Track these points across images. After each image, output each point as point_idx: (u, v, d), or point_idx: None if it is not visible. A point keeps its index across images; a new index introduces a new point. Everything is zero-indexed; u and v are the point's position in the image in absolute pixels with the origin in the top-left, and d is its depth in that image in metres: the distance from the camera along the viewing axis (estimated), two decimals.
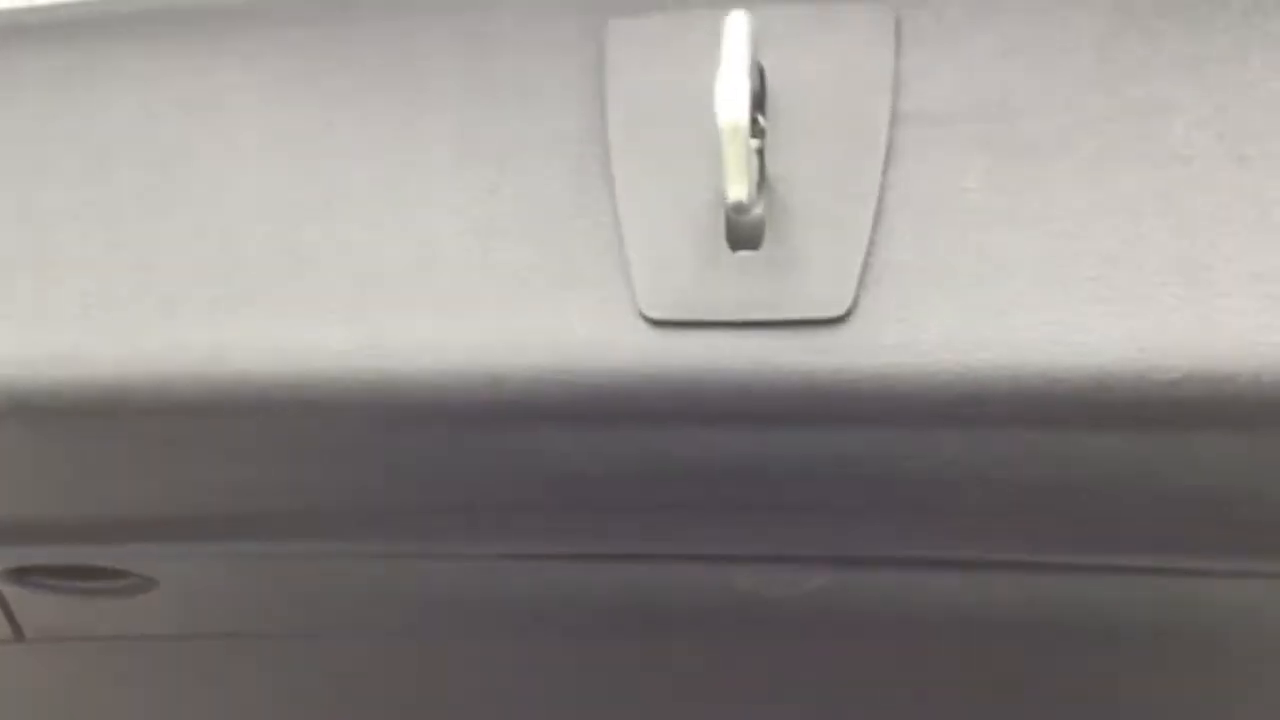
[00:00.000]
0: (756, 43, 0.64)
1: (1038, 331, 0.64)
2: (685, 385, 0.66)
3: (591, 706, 1.07)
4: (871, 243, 0.65)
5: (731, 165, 0.62)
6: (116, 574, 0.89)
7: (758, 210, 0.65)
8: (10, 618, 0.94)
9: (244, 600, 0.94)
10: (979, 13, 0.68)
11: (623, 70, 0.69)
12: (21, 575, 0.89)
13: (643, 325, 0.66)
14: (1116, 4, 0.67)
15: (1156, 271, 0.64)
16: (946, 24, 0.68)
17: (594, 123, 0.69)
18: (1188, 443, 0.67)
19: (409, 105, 0.71)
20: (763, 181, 0.66)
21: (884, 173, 0.66)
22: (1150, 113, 0.65)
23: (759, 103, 0.65)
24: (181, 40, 0.74)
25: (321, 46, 0.73)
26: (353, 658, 1.01)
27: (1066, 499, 0.72)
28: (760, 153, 0.65)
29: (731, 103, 0.60)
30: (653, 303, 0.66)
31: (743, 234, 0.66)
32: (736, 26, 0.63)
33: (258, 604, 0.95)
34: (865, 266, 0.65)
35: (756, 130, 0.65)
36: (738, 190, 0.63)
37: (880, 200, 0.66)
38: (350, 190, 0.70)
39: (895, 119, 0.67)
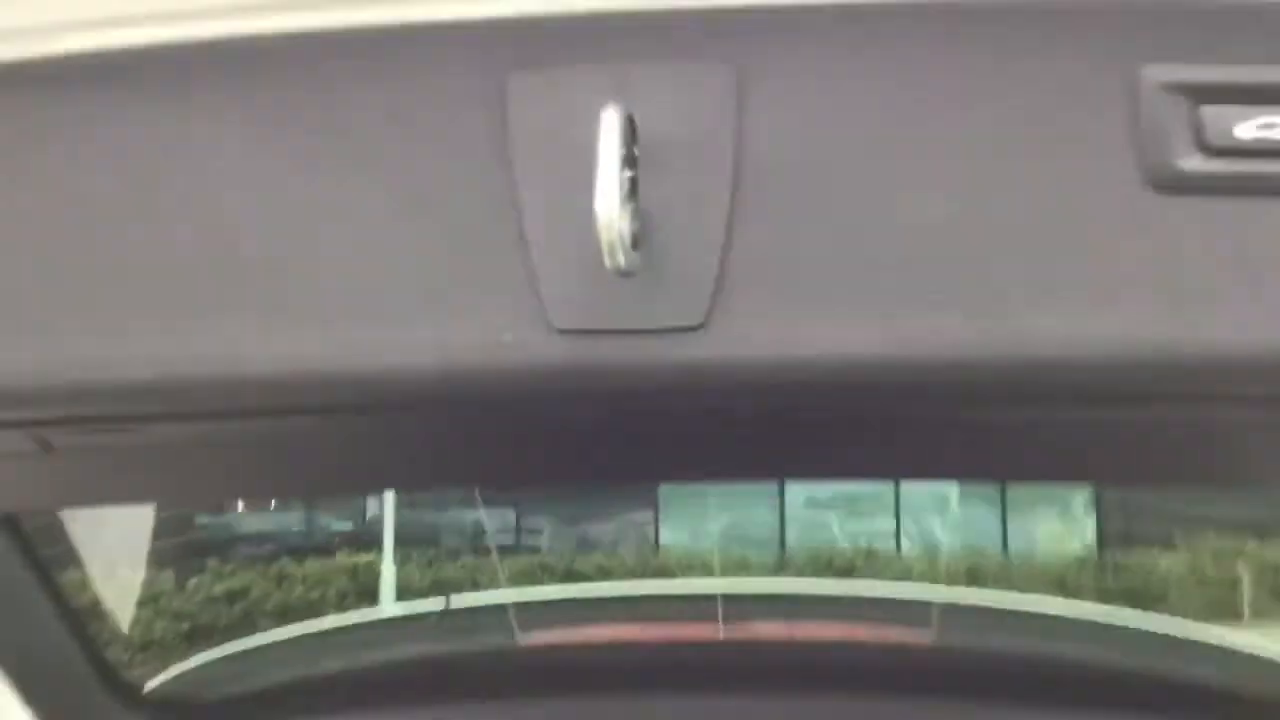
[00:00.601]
0: (629, 95, 0.78)
1: (844, 333, 0.81)
2: (585, 379, 0.83)
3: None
4: (721, 265, 0.81)
5: (606, 245, 0.76)
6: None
7: (635, 230, 0.79)
8: (44, 441, 1.13)
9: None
10: (814, 74, 0.82)
11: (523, 119, 0.82)
12: (61, 421, 1.08)
13: (553, 333, 0.81)
14: (924, 74, 0.82)
15: (936, 283, 0.81)
16: (783, 83, 0.81)
17: (501, 164, 0.82)
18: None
19: (343, 154, 0.84)
20: (636, 207, 0.79)
21: (731, 208, 0.81)
22: (944, 157, 0.80)
23: (632, 138, 0.78)
24: (153, 89, 0.85)
25: (270, 97, 0.85)
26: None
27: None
28: (634, 180, 0.78)
29: (605, 200, 0.75)
30: (560, 316, 0.81)
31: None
32: (609, 125, 0.76)
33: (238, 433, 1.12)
34: (716, 285, 0.81)
35: (632, 162, 0.78)
36: (614, 261, 0.77)
37: (729, 231, 0.80)
38: (299, 220, 0.84)
39: (740, 160, 0.81)
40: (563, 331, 0.82)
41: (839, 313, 0.81)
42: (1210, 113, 0.77)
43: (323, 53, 0.84)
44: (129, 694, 1.66)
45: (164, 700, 1.68)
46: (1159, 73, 0.78)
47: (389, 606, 10.30)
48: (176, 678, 1.73)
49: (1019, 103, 0.80)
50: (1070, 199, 0.79)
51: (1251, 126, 0.77)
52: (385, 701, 1.60)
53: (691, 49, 0.81)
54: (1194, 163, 0.78)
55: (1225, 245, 0.79)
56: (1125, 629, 1.76)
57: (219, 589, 12.56)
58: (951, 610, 1.55)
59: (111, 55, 0.85)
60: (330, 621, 1.82)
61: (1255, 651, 1.76)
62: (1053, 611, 1.64)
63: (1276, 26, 0.77)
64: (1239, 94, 0.77)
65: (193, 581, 12.61)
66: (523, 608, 1.60)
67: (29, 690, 1.47)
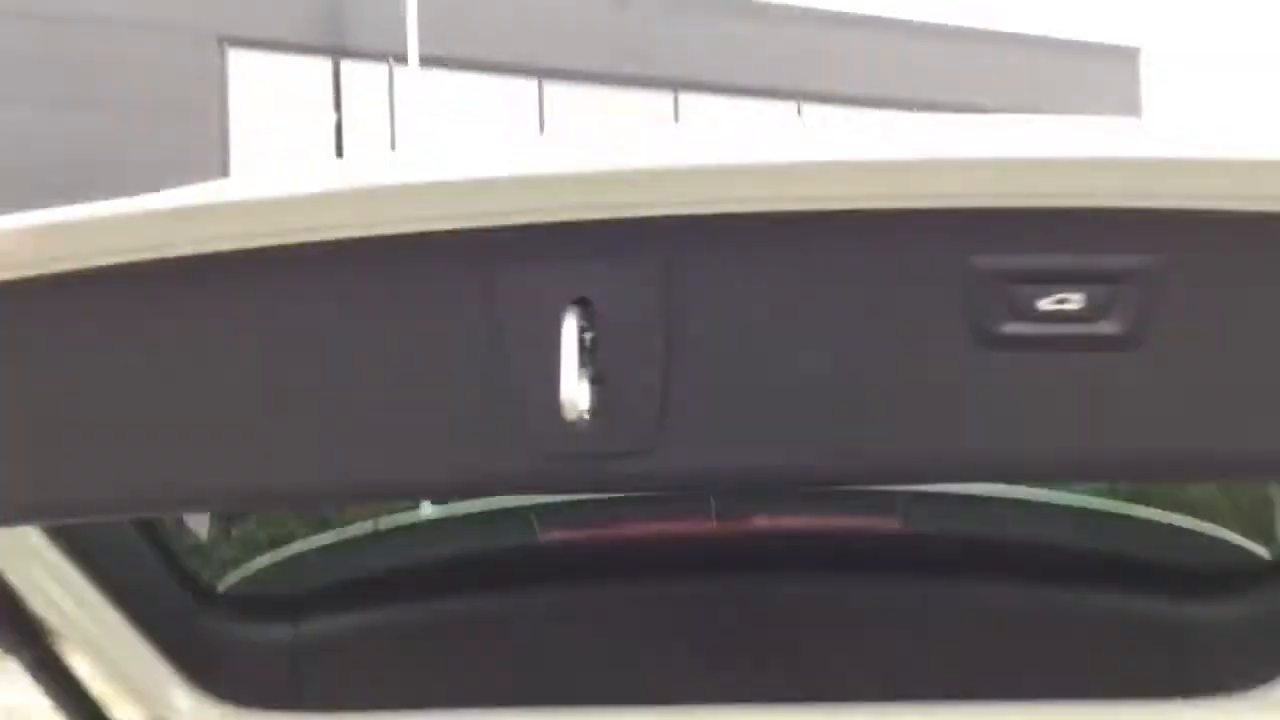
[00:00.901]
0: (585, 281, 1.06)
1: (754, 455, 1.14)
2: (560, 491, 1.21)
3: None
4: (661, 404, 1.09)
5: (567, 392, 1.03)
6: None
7: (594, 379, 1.07)
8: None
9: None
10: (723, 262, 1.09)
11: (507, 302, 1.10)
12: None
13: (541, 456, 1.11)
14: (809, 264, 1.09)
15: (818, 421, 1.12)
16: (699, 270, 1.09)
17: (491, 334, 1.10)
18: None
19: (370, 332, 1.14)
20: (594, 363, 1.06)
21: (667, 363, 1.09)
22: (825, 326, 1.10)
23: (590, 314, 1.06)
24: (218, 286, 1.14)
25: (291, 297, 1.14)
26: None
27: None
28: (594, 342, 1.06)
29: (569, 360, 1.03)
30: (540, 444, 1.10)
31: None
32: (570, 309, 1.04)
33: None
34: (659, 418, 1.09)
35: (589, 329, 1.06)
36: (576, 405, 1.04)
37: (665, 379, 1.09)
38: (340, 383, 1.15)
39: (671, 326, 1.09)
40: (543, 455, 1.12)
41: (751, 439, 1.12)
42: (1020, 290, 1.05)
43: (353, 254, 1.11)
44: (205, 592, 1.91)
45: (235, 597, 1.94)
46: (984, 261, 1.05)
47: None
48: (245, 578, 1.98)
49: (880, 283, 1.09)
50: (919, 356, 1.09)
51: (1050, 300, 1.05)
52: (425, 591, 1.85)
53: (632, 243, 1.09)
54: (1009, 328, 1.06)
55: (1034, 388, 1.08)
56: (1096, 511, 1.98)
57: (263, 535, 12.90)
58: (918, 498, 1.77)
59: (192, 260, 1.13)
60: (379, 523, 2.07)
61: (1212, 531, 1.96)
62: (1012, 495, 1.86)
63: (1066, 226, 1.04)
64: (1041, 276, 1.05)
65: (236, 530, 12.93)
66: (542, 510, 1.84)
67: (120, 596, 1.72)
